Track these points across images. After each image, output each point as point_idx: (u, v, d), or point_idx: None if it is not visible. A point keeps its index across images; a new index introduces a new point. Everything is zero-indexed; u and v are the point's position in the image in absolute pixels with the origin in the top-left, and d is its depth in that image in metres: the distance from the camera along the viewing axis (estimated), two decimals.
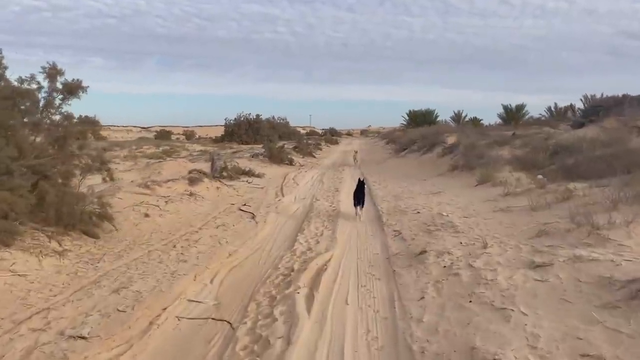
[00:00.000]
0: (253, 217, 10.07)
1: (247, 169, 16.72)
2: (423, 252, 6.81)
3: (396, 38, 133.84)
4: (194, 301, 5.36)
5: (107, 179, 8.51)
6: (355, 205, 9.86)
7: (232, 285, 5.98)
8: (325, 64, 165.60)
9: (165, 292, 5.45)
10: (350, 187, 13.70)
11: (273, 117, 58.97)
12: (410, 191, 13.03)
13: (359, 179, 10.73)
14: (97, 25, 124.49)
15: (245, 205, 11.30)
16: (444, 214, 9.34)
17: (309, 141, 42.11)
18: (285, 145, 32.25)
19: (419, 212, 9.89)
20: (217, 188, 12.83)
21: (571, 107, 37.07)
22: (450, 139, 18.92)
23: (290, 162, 22.90)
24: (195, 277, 6.05)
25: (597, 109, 17.14)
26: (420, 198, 11.74)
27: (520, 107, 46.02)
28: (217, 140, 50.65)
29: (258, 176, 16.53)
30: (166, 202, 10.21)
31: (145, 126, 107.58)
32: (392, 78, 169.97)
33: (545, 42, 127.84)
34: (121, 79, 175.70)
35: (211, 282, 6.00)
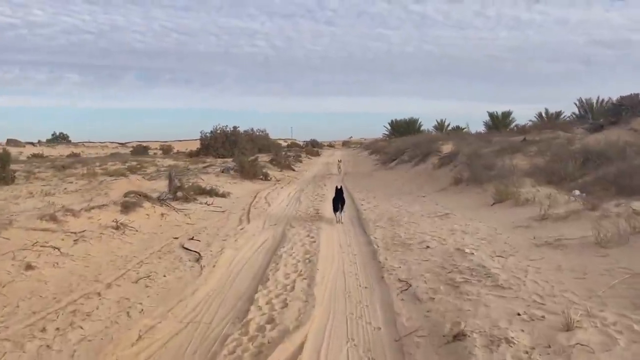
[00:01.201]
0: (198, 258, 7.10)
1: (209, 188, 13.72)
2: (459, 334, 3.93)
3: (375, 50, 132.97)
4: None
5: None
6: (334, 211, 9.70)
7: None
8: (306, 76, 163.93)
9: None
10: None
11: (252, 130, 56.12)
12: (408, 212, 10.19)
13: (337, 187, 10.22)
14: (74, 41, 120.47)
15: (193, 239, 8.31)
16: (467, 250, 6.51)
17: (289, 153, 39.25)
18: (261, 158, 29.33)
19: (428, 247, 7.04)
20: (162, 215, 9.82)
21: (560, 113, 35.18)
22: (446, 147, 16.30)
23: (265, 177, 19.96)
24: None
25: (619, 109, 14.69)
26: (424, 222, 8.91)
27: (506, 114, 44.06)
28: (192, 155, 47.52)
29: (222, 196, 13.54)
30: (75, 240, 7.18)
31: (123, 142, 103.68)
32: (372, 90, 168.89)
33: (520, 52, 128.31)
34: (99, 95, 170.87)
35: None
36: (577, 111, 30.08)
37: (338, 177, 20.49)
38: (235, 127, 49.14)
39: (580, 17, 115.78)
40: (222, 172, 20.01)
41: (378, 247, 7.45)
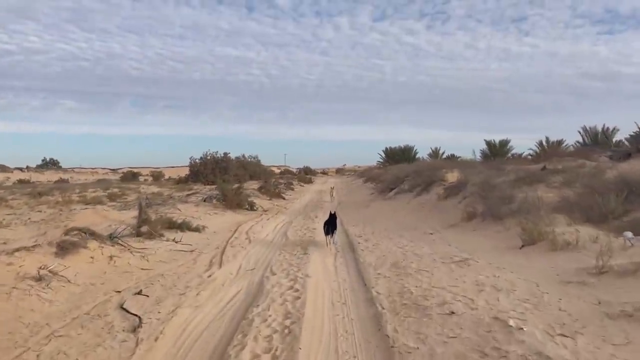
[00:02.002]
0: (137, 326, 5.09)
1: (181, 221, 11.74)
2: None
3: (369, 80, 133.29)
4: None
5: None
6: (326, 234, 9.56)
7: None
8: (300, 104, 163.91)
9: None
10: (324, 250, 8.98)
11: (243, 156, 54.52)
12: (416, 255, 8.25)
13: (331, 212, 10.01)
14: (70, 68, 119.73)
15: (140, 293, 6.30)
16: (511, 322, 4.56)
17: (280, 180, 37.42)
18: (250, 186, 27.41)
19: (453, 312, 5.09)
20: (111, 258, 7.80)
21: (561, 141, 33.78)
22: (451, 176, 14.53)
23: (251, 207, 18.01)
24: None
25: None
26: (439, 271, 6.97)
27: (504, 143, 42.65)
28: (180, 181, 45.54)
29: (196, 230, 11.56)
30: None
31: (115, 168, 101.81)
32: (366, 118, 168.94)
33: (510, 83, 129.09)
34: (94, 121, 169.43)
35: None
36: (581, 140, 28.71)
37: (332, 205, 18.86)
38: (225, 153, 47.42)
39: (569, 50, 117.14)
40: (205, 200, 18.06)
41: (383, 309, 5.50)
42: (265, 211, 18.24)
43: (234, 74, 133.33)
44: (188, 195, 23.75)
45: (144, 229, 10.50)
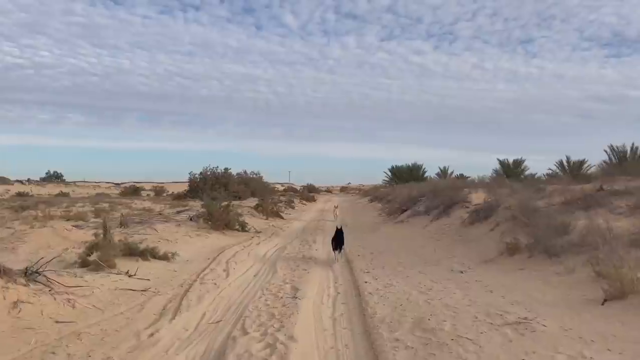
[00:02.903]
0: None
1: (146, 247, 9.37)
2: None
3: (375, 98, 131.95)
4: None
5: None
6: (334, 249, 9.59)
7: None
8: (306, 122, 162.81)
9: None
10: (319, 290, 6.57)
11: (245, 172, 52.42)
12: (448, 308, 5.81)
13: (337, 227, 9.86)
14: (79, 82, 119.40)
15: None
16: None
17: (281, 197, 35.11)
18: (247, 203, 25.08)
19: None
20: (14, 305, 5.41)
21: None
22: (476, 196, 12.11)
23: (242, 227, 15.65)
24: None
25: None
26: (490, 342, 4.53)
27: (518, 162, 40.31)
28: (178, 197, 43.37)
29: (163, 258, 9.19)
30: None
31: (118, 182, 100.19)
32: (371, 136, 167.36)
33: (517, 104, 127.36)
34: (101, 135, 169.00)
35: None
36: (607, 159, 26.31)
37: (334, 224, 16.67)
38: (226, 169, 45.33)
39: (576, 73, 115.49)
40: (191, 219, 15.72)
41: None
42: (258, 233, 15.85)
43: (241, 90, 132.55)
44: (179, 212, 21.45)
45: (96, 256, 8.16)
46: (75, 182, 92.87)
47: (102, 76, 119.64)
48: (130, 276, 7.58)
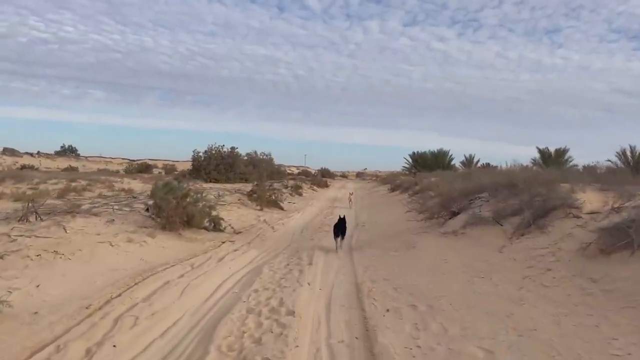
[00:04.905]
0: None
1: None
2: None
3: (395, 85, 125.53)
4: None
5: None
6: (335, 237, 8.99)
7: None
8: (324, 106, 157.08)
9: None
10: None
11: (255, 152, 47.38)
12: None
13: (340, 216, 9.47)
14: (102, 59, 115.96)
15: None
16: None
17: (286, 182, 30.05)
18: (243, 188, 20.02)
19: None
20: None
21: None
22: (587, 198, 6.81)
23: (215, 226, 10.65)
24: None
25: None
26: None
27: (560, 152, 34.36)
28: (181, 176, 38.75)
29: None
30: None
31: (134, 159, 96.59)
32: (390, 123, 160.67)
33: (540, 95, 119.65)
34: (122, 112, 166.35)
35: None
36: None
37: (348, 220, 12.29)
38: (233, 148, 40.29)
39: (602, 65, 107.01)
40: (147, 211, 10.70)
41: None
42: (237, 234, 10.81)
43: (261, 72, 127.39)
44: (135, 198, 16.52)
45: None
46: (88, 157, 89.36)
47: (125, 53, 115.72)
48: None
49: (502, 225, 7.35)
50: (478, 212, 8.35)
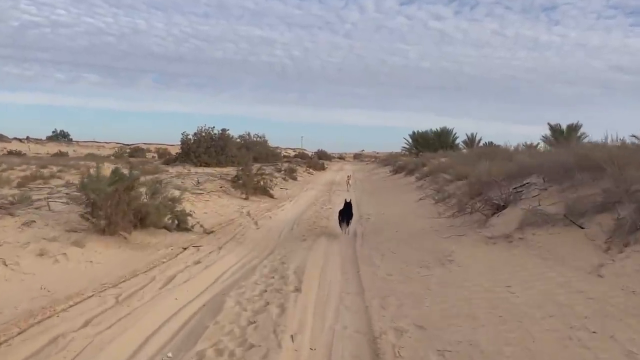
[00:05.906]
0: None
1: None
2: None
3: (391, 64, 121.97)
4: None
5: None
6: (340, 222, 8.64)
7: None
8: (320, 87, 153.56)
9: None
10: None
11: (248, 134, 44.62)
12: None
13: (346, 200, 8.99)
14: (95, 42, 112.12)
15: None
16: None
17: (280, 166, 27.50)
18: (229, 173, 17.41)
19: None
20: None
21: None
22: None
23: (179, 225, 8.14)
24: None
25: None
26: None
27: (573, 128, 31.78)
28: (169, 161, 36.16)
29: None
30: None
31: (129, 143, 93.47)
32: (387, 103, 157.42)
33: (537, 73, 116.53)
34: (116, 96, 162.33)
35: None
36: None
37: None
38: (223, 130, 37.47)
39: (599, 42, 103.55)
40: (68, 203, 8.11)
41: None
42: (210, 232, 8.30)
43: (256, 54, 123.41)
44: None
45: None
46: (80, 142, 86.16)
47: (118, 36, 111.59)
48: None
49: (583, 227, 4.85)
50: (537, 206, 5.80)
